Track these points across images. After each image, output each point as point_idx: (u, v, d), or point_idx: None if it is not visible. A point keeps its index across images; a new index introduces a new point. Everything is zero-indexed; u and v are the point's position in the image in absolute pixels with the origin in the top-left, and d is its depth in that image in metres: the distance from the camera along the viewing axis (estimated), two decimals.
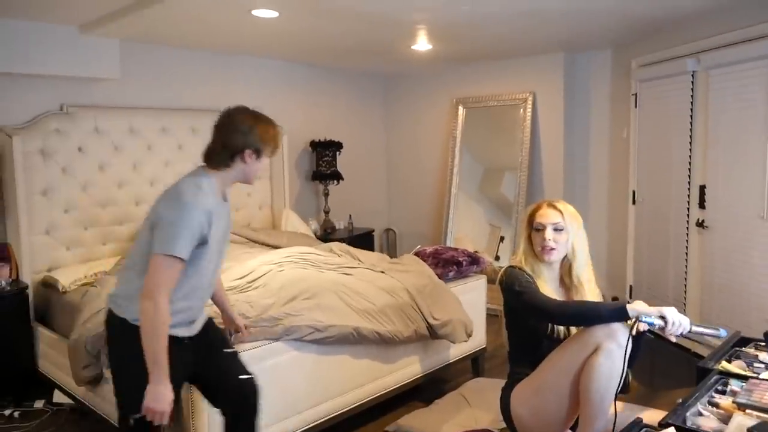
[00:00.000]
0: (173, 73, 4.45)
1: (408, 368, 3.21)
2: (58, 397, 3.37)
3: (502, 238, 5.44)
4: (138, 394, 1.84)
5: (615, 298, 4.76)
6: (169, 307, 1.88)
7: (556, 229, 2.23)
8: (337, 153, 5.37)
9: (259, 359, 2.54)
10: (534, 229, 2.28)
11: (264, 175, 4.94)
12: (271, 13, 3.48)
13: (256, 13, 3.46)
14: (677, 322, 1.94)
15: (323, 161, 5.30)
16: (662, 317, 1.94)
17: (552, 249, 2.23)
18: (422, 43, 4.52)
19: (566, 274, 2.34)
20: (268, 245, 4.06)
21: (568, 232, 2.24)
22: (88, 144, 3.91)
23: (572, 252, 2.27)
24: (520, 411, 2.22)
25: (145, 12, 3.24)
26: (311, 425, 2.77)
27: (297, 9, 3.43)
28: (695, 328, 1.97)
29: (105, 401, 2.84)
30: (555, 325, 2.21)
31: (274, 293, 2.97)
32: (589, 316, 2.05)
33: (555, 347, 2.17)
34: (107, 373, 2.68)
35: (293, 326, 2.65)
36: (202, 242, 1.96)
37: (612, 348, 1.97)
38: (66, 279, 3.54)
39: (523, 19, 3.80)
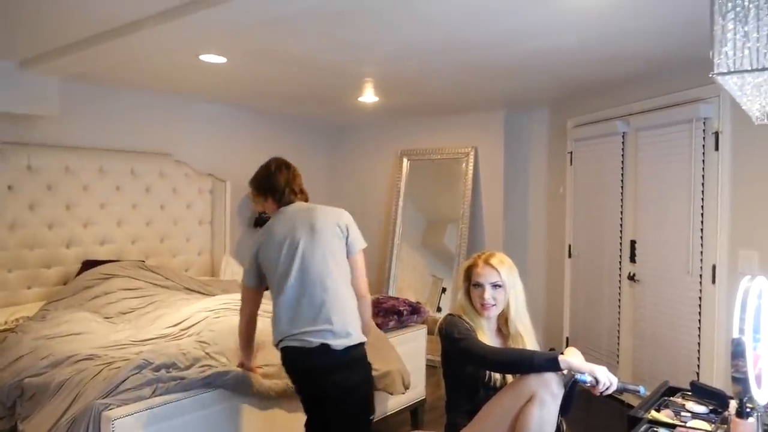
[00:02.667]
0: (115, 114, 4.37)
1: None
2: None
3: (444, 290, 5.49)
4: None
5: (552, 350, 4.83)
6: None
7: (494, 287, 2.26)
8: None
9: (190, 410, 2.43)
10: (472, 285, 2.31)
11: (205, 220, 4.86)
12: (219, 59, 3.51)
13: (203, 58, 3.48)
14: (607, 382, 1.99)
15: None
16: (594, 377, 1.99)
17: (492, 306, 2.26)
18: (369, 95, 4.63)
19: (504, 325, 2.36)
20: (202, 293, 3.95)
21: (506, 288, 2.27)
22: (18, 182, 3.76)
23: (509, 304, 2.30)
24: None
25: (88, 51, 3.20)
26: None
27: (246, 56, 3.47)
28: (620, 385, 2.04)
29: None
30: (492, 373, 2.22)
31: (208, 341, 2.88)
32: (522, 363, 2.07)
33: (491, 396, 2.17)
34: (21, 426, 2.50)
35: (220, 372, 2.56)
36: None
37: (545, 398, 1.99)
38: None
39: (465, 77, 3.95)
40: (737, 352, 1.61)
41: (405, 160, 5.74)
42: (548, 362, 2.03)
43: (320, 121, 6.11)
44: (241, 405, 2.63)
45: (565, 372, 2.02)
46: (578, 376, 1.99)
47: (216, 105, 5.08)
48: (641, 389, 2.07)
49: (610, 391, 2.01)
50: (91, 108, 4.24)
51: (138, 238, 4.41)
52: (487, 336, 2.29)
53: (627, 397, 3.98)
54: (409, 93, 4.55)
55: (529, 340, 2.32)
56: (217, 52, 3.39)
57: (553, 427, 2.04)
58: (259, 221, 5.25)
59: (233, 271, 4.71)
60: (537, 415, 1.98)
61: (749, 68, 1.32)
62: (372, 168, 6.08)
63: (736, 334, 1.63)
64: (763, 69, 1.30)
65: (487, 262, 2.28)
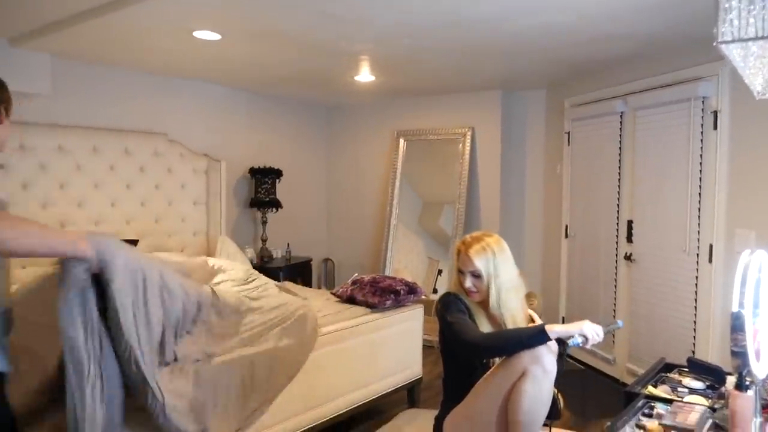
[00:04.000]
0: (108, 92, 4.31)
1: (340, 399, 3.14)
2: None
3: (440, 272, 5.48)
4: None
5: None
6: None
7: (473, 276, 2.25)
8: (277, 180, 5.32)
9: None
10: (458, 269, 2.30)
11: (200, 200, 4.82)
12: (213, 36, 3.45)
13: (197, 34, 3.42)
14: (595, 336, 2.05)
15: (262, 188, 5.23)
16: (583, 335, 2.01)
17: (474, 292, 2.26)
18: (365, 75, 4.58)
19: (491, 307, 2.33)
20: None
21: (484, 278, 2.24)
22: (11, 162, 3.71)
23: (490, 293, 2.25)
24: None
25: (80, 27, 3.15)
26: None
27: (240, 33, 3.42)
28: (605, 331, 2.12)
29: None
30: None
31: None
32: (512, 343, 2.06)
33: None
34: None
35: None
36: None
37: (537, 373, 1.99)
38: None
39: (461, 56, 3.91)
40: (737, 326, 1.60)
41: (401, 141, 5.71)
42: (537, 336, 2.02)
43: (316, 102, 6.06)
44: None
45: (563, 346, 2.03)
46: (570, 342, 2.01)
47: (211, 85, 5.02)
48: (619, 322, 2.25)
49: (600, 340, 2.07)
50: (84, 86, 4.18)
51: (132, 219, 4.37)
52: (483, 316, 2.28)
53: (621, 374, 4.01)
54: (405, 72, 4.50)
55: (518, 319, 2.29)
56: (211, 29, 3.33)
57: (548, 403, 2.04)
58: (255, 202, 5.22)
59: (229, 252, 4.70)
60: (530, 391, 1.98)
61: (754, 36, 1.30)
62: (369, 148, 6.04)
63: (735, 308, 1.62)
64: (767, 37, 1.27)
65: (466, 251, 2.26)
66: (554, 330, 2.01)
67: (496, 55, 3.88)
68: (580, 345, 2.02)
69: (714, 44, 1.32)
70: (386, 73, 4.55)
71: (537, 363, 2.00)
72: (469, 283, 2.24)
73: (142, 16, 3.03)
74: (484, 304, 2.29)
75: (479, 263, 2.22)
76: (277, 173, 5.30)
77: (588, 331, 2.01)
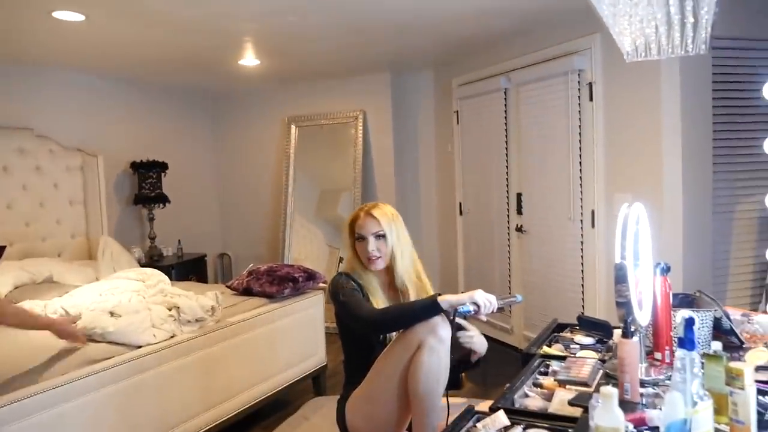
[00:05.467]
0: None
1: (244, 394, 3.02)
2: None
3: (341, 259, 5.43)
4: None
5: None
6: None
7: (377, 237, 2.21)
8: (162, 174, 5.02)
9: (69, 398, 2.22)
10: (357, 239, 2.25)
11: (76, 200, 4.46)
12: (76, 16, 3.16)
13: (57, 15, 3.13)
14: (487, 303, 2.02)
15: (146, 183, 4.92)
16: (474, 303, 2.00)
17: (378, 258, 2.22)
18: (250, 58, 4.41)
19: (393, 277, 2.31)
20: None
21: (389, 239, 2.22)
22: None
23: (394, 256, 2.24)
24: (354, 420, 2.16)
25: None
26: None
27: (106, 12, 3.16)
28: (500, 302, 2.07)
29: None
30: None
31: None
32: (406, 316, 2.04)
33: None
34: None
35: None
36: None
37: (433, 344, 1.97)
38: None
39: (349, 36, 3.85)
40: (620, 277, 1.67)
41: (293, 127, 5.58)
42: (429, 307, 2.01)
43: (201, 90, 5.78)
44: (122, 385, 2.44)
45: (451, 313, 2.01)
46: (460, 308, 1.99)
47: (82, 73, 4.64)
48: (518, 297, 2.18)
49: (493, 310, 2.03)
50: None
51: None
52: (378, 291, 2.24)
53: (520, 342, 4.16)
54: (292, 55, 4.38)
55: (421, 287, 2.29)
56: (73, 8, 3.05)
57: (446, 372, 2.03)
58: (140, 198, 4.91)
59: (113, 253, 4.37)
60: (427, 362, 1.96)
61: None
62: (260, 136, 5.85)
63: (618, 260, 1.69)
64: None
65: (368, 213, 2.23)
66: (446, 300, 2.00)
67: (382, 32, 3.85)
68: (471, 312, 2.01)
69: None
70: (272, 56, 4.40)
71: (432, 334, 1.98)
72: (372, 246, 2.19)
73: None
74: (383, 275, 2.26)
75: (384, 222, 2.20)
76: (162, 166, 5.01)
77: (479, 299, 2.01)
